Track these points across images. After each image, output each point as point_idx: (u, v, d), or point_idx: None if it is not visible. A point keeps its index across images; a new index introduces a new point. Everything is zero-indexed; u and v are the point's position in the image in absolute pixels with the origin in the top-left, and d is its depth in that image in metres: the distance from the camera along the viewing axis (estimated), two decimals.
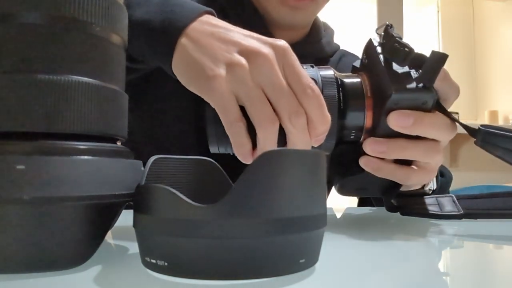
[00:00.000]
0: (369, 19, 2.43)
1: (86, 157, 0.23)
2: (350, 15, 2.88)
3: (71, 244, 0.23)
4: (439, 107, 0.40)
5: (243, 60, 0.35)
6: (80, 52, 0.24)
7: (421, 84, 0.38)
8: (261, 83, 0.34)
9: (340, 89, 0.40)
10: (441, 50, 0.37)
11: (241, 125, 0.35)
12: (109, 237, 0.26)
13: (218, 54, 0.35)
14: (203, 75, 0.35)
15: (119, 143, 0.27)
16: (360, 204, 0.75)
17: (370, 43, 0.42)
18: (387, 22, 0.41)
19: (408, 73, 0.38)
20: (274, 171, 0.21)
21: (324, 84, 0.40)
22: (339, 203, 0.66)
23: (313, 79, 0.38)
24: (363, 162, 0.41)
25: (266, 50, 0.35)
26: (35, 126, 0.22)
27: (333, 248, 0.30)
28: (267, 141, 0.35)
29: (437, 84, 0.38)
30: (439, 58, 0.37)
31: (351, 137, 0.42)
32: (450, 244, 0.36)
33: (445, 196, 0.45)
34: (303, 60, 0.73)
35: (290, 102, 0.34)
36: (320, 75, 0.40)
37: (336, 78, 0.40)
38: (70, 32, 0.23)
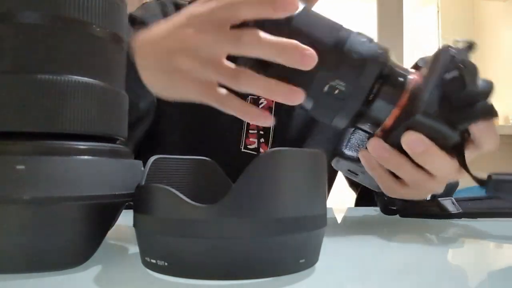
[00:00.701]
0: (369, 19, 2.42)
1: (86, 157, 0.23)
2: (350, 15, 2.88)
3: (71, 244, 0.23)
4: (459, 151, 0.37)
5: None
6: (80, 52, 0.24)
7: (452, 120, 0.35)
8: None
9: (384, 72, 0.37)
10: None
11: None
12: (109, 237, 0.26)
13: (171, 60, 0.36)
14: (172, 87, 0.37)
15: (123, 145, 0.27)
16: (358, 203, 0.75)
17: (443, 52, 0.38)
18: (472, 41, 0.38)
19: (448, 104, 0.36)
20: (274, 171, 0.21)
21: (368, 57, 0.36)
22: (339, 203, 0.66)
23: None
24: (362, 154, 0.41)
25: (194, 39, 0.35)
26: (35, 126, 0.22)
27: (333, 248, 0.30)
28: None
29: (477, 131, 0.37)
30: (488, 112, 0.35)
31: (366, 126, 0.40)
32: (450, 243, 0.36)
33: (445, 199, 0.45)
34: None
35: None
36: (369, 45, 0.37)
37: (383, 62, 0.37)
38: (70, 32, 0.23)
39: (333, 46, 0.36)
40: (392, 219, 0.48)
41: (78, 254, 0.24)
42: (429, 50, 0.37)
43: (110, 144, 0.25)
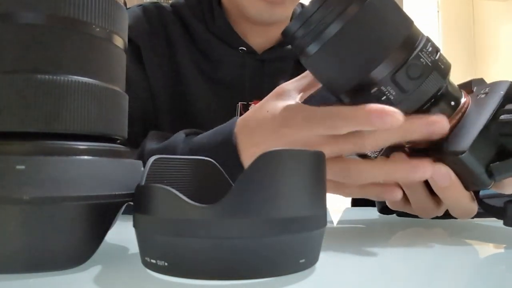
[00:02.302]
0: None
1: (86, 157, 0.23)
2: None
3: (71, 244, 0.23)
4: (479, 196, 0.37)
5: None
6: (80, 52, 0.24)
7: (492, 169, 0.33)
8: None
9: (447, 85, 0.34)
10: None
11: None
12: (109, 237, 0.26)
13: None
14: None
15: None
16: (354, 203, 0.75)
17: (503, 85, 0.35)
18: None
19: (494, 147, 0.33)
20: (274, 171, 0.21)
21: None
22: (338, 203, 0.66)
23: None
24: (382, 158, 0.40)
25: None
26: (35, 126, 0.22)
27: (333, 248, 0.30)
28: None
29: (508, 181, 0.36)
30: None
31: None
32: (448, 243, 0.36)
33: None
34: (284, 62, 0.72)
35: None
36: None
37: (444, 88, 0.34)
38: (70, 32, 0.23)
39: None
40: (390, 219, 0.48)
41: (78, 254, 0.24)
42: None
43: (110, 144, 0.25)
